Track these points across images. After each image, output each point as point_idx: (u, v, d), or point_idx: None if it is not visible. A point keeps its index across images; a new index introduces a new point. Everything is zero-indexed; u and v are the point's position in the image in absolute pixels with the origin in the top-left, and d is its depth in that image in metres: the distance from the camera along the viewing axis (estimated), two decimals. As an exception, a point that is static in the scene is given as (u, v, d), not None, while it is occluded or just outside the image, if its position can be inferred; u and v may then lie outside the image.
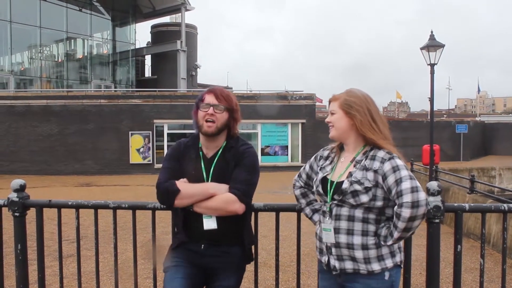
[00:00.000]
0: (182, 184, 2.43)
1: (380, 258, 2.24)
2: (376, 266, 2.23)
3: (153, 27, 39.37)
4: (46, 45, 32.66)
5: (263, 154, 23.78)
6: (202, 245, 2.51)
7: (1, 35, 29.05)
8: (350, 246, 2.25)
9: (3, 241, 3.10)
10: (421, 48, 12.35)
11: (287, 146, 24.34)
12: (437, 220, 2.67)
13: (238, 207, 2.42)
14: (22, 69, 32.18)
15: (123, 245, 6.98)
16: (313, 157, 2.56)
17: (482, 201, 8.41)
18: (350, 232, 2.25)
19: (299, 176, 2.59)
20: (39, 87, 30.99)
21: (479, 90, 79.23)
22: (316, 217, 2.52)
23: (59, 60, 33.74)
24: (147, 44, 39.93)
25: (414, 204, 2.08)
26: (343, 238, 2.26)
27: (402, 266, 2.37)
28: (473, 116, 60.99)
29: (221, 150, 2.54)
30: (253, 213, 2.76)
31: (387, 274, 2.26)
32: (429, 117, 15.28)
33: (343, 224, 2.26)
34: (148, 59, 40.85)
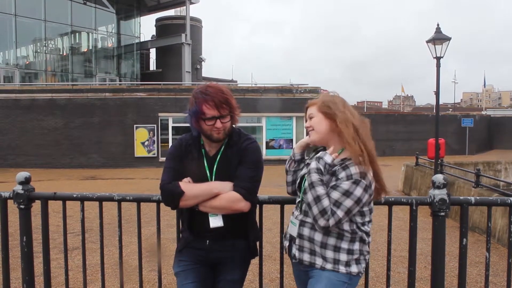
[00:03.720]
0: (186, 185, 2.42)
1: (335, 261, 2.28)
2: (329, 266, 2.29)
3: (157, 20, 39.32)
4: (50, 39, 32.74)
5: (267, 147, 23.79)
6: (207, 241, 2.51)
7: (6, 29, 29.12)
8: (311, 240, 2.32)
9: (9, 233, 3.11)
10: (427, 41, 12.25)
11: (292, 140, 24.32)
12: (442, 213, 2.65)
13: (243, 205, 2.41)
14: (27, 62, 32.28)
15: (128, 238, 7.01)
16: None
17: (488, 195, 8.37)
18: (313, 228, 2.31)
19: None
20: (44, 81, 31.09)
21: (485, 84, 78.83)
22: (289, 178, 2.58)
23: (64, 54, 33.81)
24: (151, 38, 39.90)
25: (322, 224, 2.19)
26: (306, 231, 2.34)
27: (360, 275, 2.36)
28: (479, 110, 60.65)
29: (223, 147, 2.51)
30: (257, 206, 2.76)
31: (343, 269, 2.28)
32: (434, 111, 15.20)
33: (309, 220, 2.33)
34: (152, 53, 40.88)
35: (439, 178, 2.67)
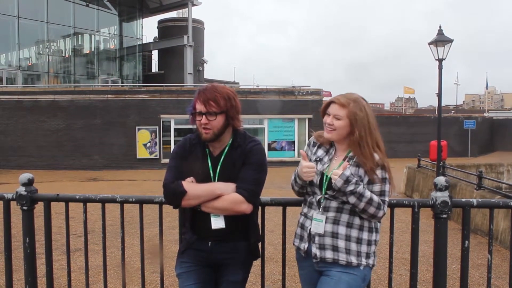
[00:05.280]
0: (188, 184, 2.42)
1: (358, 254, 2.39)
2: (354, 259, 2.37)
3: (160, 22, 39.40)
4: (53, 41, 32.78)
5: (269, 149, 23.79)
6: (209, 243, 2.51)
7: (9, 31, 29.18)
8: (334, 235, 2.39)
9: (12, 235, 3.12)
10: (429, 43, 12.22)
11: (293, 142, 24.33)
12: (444, 216, 2.66)
13: (245, 207, 2.42)
14: (30, 64, 32.32)
15: (130, 239, 7.01)
16: (306, 145, 2.65)
17: (490, 197, 8.35)
18: (336, 222, 2.39)
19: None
20: (47, 82, 31.15)
21: (487, 86, 78.76)
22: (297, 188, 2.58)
23: (66, 56, 33.86)
24: (154, 39, 39.97)
25: (381, 215, 2.37)
26: (328, 227, 2.40)
27: (373, 267, 2.50)
28: (481, 112, 60.56)
29: (227, 148, 2.52)
30: (260, 208, 2.76)
31: (361, 269, 2.40)
32: (436, 113, 15.20)
33: (331, 214, 2.41)
34: (155, 54, 40.95)
35: (441, 180, 2.67)
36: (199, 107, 2.41)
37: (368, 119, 2.40)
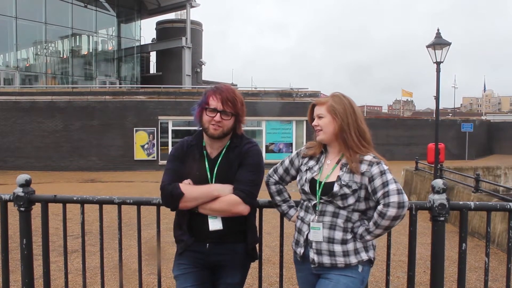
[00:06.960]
0: (186, 186, 2.42)
1: (356, 252, 2.37)
2: (353, 259, 2.35)
3: (158, 23, 39.39)
4: (51, 41, 32.75)
5: (267, 151, 23.80)
6: (207, 245, 2.51)
7: (7, 31, 29.14)
8: (330, 240, 2.37)
9: (9, 236, 3.11)
10: (427, 46, 12.25)
11: (291, 144, 24.33)
12: (442, 218, 2.66)
13: (243, 208, 2.42)
14: (27, 65, 32.28)
15: (127, 241, 7.00)
16: (295, 152, 2.63)
17: (487, 200, 8.36)
18: (332, 227, 2.37)
19: (275, 171, 2.66)
20: (44, 83, 31.11)
21: (485, 89, 79.01)
22: (292, 211, 2.64)
23: (64, 56, 33.82)
24: (152, 41, 39.95)
25: (400, 205, 2.24)
26: (325, 233, 2.37)
27: (373, 262, 2.45)
28: (478, 115, 60.71)
29: (224, 149, 2.52)
30: (257, 210, 2.76)
31: (360, 267, 2.38)
32: (434, 116, 15.23)
33: (327, 219, 2.38)
34: (153, 56, 40.94)
35: (438, 183, 2.68)
36: (215, 104, 2.42)
37: (346, 111, 2.40)
